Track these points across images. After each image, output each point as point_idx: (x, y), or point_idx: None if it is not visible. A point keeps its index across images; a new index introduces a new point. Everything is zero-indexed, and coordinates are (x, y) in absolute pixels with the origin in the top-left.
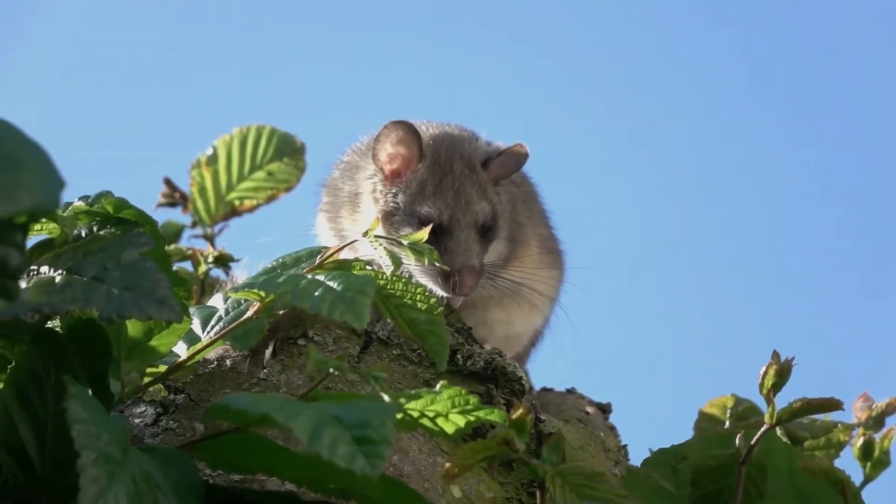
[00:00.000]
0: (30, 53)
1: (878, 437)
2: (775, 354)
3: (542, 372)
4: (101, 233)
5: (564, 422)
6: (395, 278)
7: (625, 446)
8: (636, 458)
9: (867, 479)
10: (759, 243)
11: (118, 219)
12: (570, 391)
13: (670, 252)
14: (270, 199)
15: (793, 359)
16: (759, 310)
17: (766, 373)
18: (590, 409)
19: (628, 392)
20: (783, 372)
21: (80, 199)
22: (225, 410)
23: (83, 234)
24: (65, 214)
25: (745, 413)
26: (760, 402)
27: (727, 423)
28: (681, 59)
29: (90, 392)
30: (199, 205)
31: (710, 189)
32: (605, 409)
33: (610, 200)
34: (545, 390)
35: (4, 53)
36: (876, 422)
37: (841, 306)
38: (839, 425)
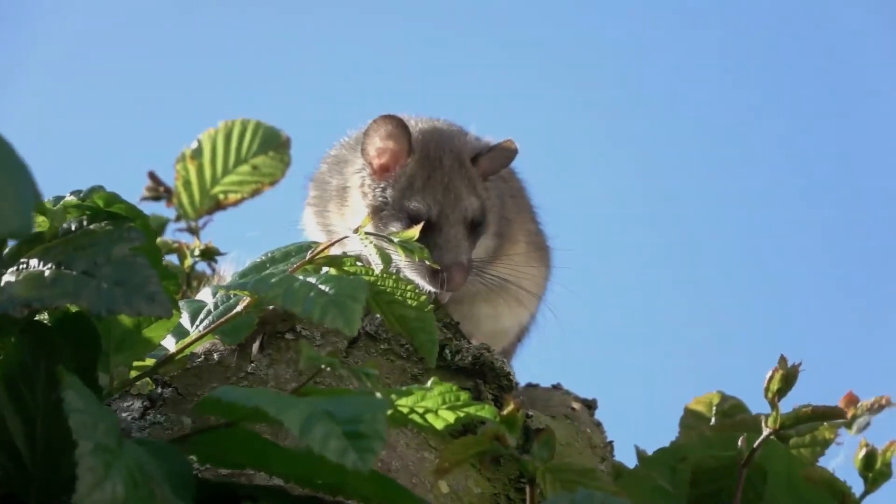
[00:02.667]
0: (20, 47)
1: (880, 448)
2: (782, 359)
3: (527, 367)
4: (92, 227)
5: (551, 418)
6: (385, 275)
7: (611, 442)
8: (621, 454)
9: (868, 491)
10: (744, 241)
11: (108, 213)
12: (556, 387)
13: (655, 249)
14: (255, 192)
15: (799, 364)
16: (744, 307)
17: (771, 377)
18: (576, 406)
19: (613, 388)
20: (789, 378)
21: (71, 193)
22: (216, 404)
23: (72, 228)
24: (55, 208)
25: (730, 410)
26: (745, 399)
27: (713, 419)
28: (679, 60)
29: None
30: (184, 198)
31: (696, 187)
32: (590, 406)
33: (596, 198)
34: (531, 386)
35: None
36: (860, 420)
37: (827, 305)
38: (825, 423)
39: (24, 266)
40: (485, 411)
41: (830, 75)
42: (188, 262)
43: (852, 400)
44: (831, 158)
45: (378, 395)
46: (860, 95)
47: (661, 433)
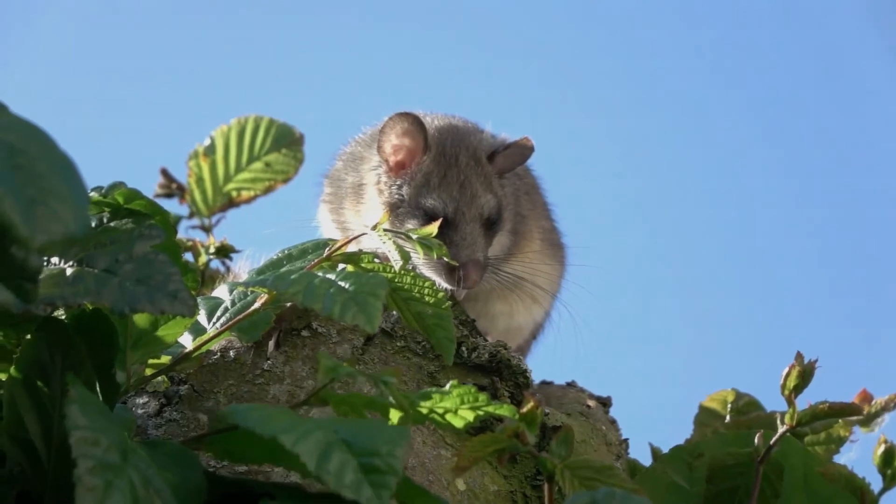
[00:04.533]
0: (28, 41)
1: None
2: (799, 356)
3: (541, 364)
4: (112, 224)
5: (567, 415)
6: (403, 271)
7: (626, 440)
8: (636, 451)
9: (886, 488)
10: (758, 240)
11: (128, 210)
12: (571, 384)
13: (668, 247)
14: (268, 190)
15: (816, 361)
16: (758, 305)
17: (788, 374)
18: (591, 403)
19: (626, 386)
20: (806, 374)
21: (92, 189)
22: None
23: (93, 225)
24: None
25: (745, 408)
26: (759, 397)
27: (727, 417)
28: (692, 62)
29: (97, 383)
30: (197, 196)
31: (712, 185)
32: (605, 403)
33: (611, 196)
34: (545, 383)
35: (4, 40)
36: (873, 418)
37: (838, 303)
38: (839, 420)
39: (45, 263)
40: (503, 410)
41: (828, 75)
42: (202, 259)
43: (867, 397)
44: (848, 157)
45: (398, 425)
46: (861, 95)
47: (676, 431)
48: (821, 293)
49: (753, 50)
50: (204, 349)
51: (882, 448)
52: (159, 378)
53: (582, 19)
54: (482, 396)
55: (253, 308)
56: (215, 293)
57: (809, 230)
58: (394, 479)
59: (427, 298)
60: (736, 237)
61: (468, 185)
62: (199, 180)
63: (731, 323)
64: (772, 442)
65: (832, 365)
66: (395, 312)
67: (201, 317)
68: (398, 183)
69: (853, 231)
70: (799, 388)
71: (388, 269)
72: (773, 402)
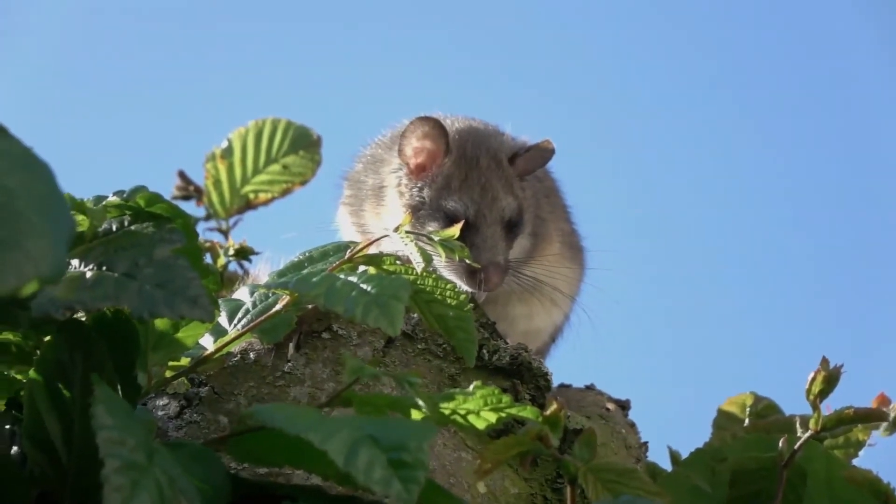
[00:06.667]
0: (39, 42)
1: None
2: (824, 361)
3: (560, 367)
4: (132, 228)
5: (586, 418)
6: (425, 273)
7: (645, 443)
8: (654, 455)
9: None
10: (776, 243)
11: (149, 213)
12: (590, 387)
13: (688, 250)
14: (285, 192)
15: (841, 366)
16: (773, 309)
17: (813, 379)
18: (610, 406)
19: (644, 389)
20: (831, 379)
21: (114, 193)
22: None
23: (113, 229)
24: (95, 208)
25: (764, 411)
26: (778, 400)
27: (746, 420)
28: (693, 62)
29: (119, 385)
30: (214, 198)
31: (731, 189)
32: (624, 406)
33: (629, 198)
34: (563, 386)
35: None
36: (894, 423)
37: (856, 307)
38: (858, 425)
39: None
40: (527, 412)
41: (829, 75)
42: (221, 261)
43: (885, 401)
44: (853, 162)
45: (424, 420)
46: (861, 95)
47: (694, 434)
48: (837, 295)
49: (753, 50)
50: (224, 351)
51: None
52: (179, 380)
53: (585, 21)
54: (505, 398)
55: (274, 310)
56: (236, 295)
57: (824, 232)
58: (423, 473)
59: (449, 300)
60: (757, 240)
61: (489, 187)
62: (217, 182)
63: (748, 326)
64: (796, 447)
65: (847, 367)
66: (415, 315)
67: (222, 318)
68: (419, 185)
69: (861, 234)
70: (824, 393)
71: (410, 272)
72: (790, 404)
